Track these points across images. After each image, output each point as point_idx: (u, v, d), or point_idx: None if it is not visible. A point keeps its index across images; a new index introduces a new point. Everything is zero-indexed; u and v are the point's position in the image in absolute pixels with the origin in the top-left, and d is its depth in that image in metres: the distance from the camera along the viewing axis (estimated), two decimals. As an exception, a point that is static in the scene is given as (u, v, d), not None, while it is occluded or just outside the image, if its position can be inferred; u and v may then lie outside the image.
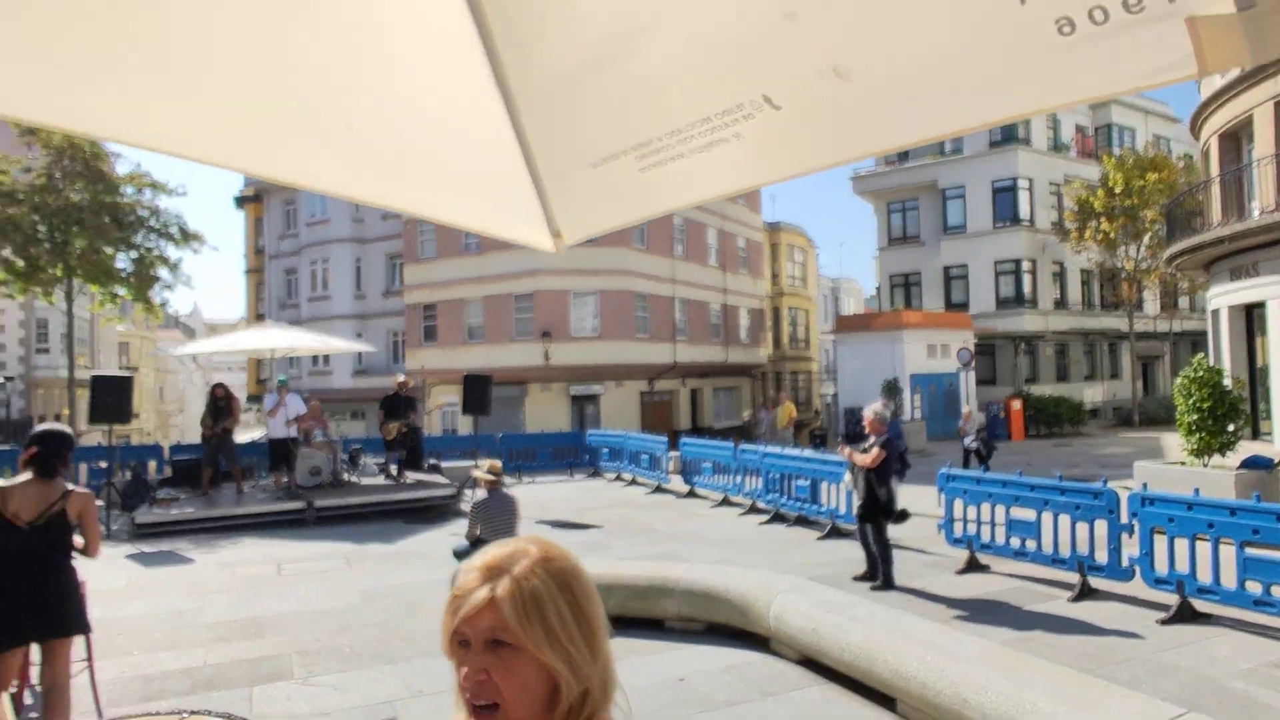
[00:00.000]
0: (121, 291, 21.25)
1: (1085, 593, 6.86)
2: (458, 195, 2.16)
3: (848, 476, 8.72)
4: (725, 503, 12.48)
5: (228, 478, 12.10)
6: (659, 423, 25.57)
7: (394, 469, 13.29)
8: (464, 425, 22.97)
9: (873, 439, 7.56)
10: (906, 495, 11.35)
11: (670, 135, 1.61)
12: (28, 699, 4.67)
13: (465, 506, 11.72)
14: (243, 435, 12.87)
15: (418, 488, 12.47)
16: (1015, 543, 7.63)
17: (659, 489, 14.25)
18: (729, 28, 1.33)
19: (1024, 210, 29.20)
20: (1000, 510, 7.81)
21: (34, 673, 4.52)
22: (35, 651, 4.12)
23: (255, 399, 25.24)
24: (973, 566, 7.94)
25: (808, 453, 11.33)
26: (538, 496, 13.28)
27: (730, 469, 12.52)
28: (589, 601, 0.94)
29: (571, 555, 0.98)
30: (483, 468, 7.45)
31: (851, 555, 8.23)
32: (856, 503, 7.86)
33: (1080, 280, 31.14)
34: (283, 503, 11.20)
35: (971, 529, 8.07)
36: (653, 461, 14.83)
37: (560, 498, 13.67)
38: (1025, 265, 29.15)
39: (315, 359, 30.72)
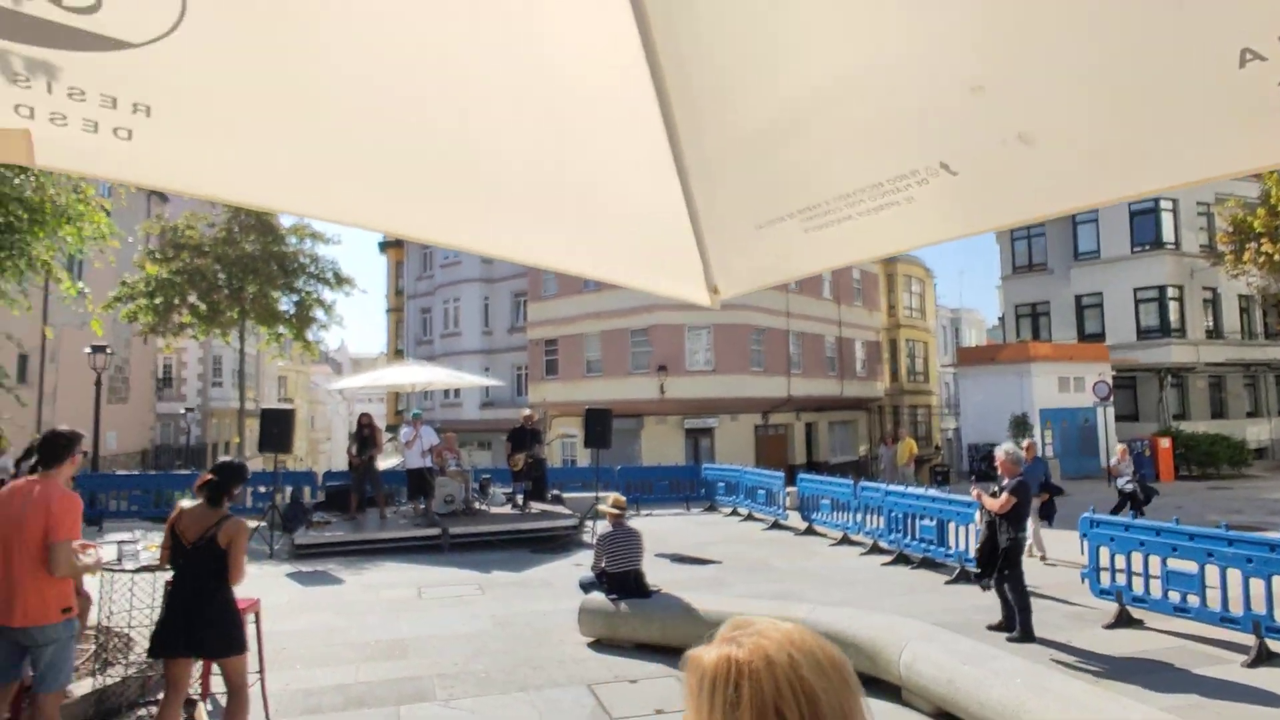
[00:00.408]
0: (284, 330, 23.53)
1: (1263, 657, 6.21)
2: (623, 258, 2.27)
3: (979, 516, 8.33)
4: (845, 541, 12.15)
5: (372, 503, 12.88)
6: (773, 456, 25.22)
7: (520, 499, 13.76)
8: (582, 456, 23.52)
9: (1005, 481, 7.18)
10: (1044, 537, 10.77)
11: (839, 199, 1.60)
12: (208, 706, 5.16)
13: (588, 537, 11.98)
14: (381, 463, 13.70)
15: (543, 518, 12.84)
16: (1174, 597, 7.00)
17: (776, 525, 14.04)
18: (911, 100, 1.32)
19: (1167, 233, 27.12)
20: (1155, 561, 7.21)
21: (215, 681, 5.01)
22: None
23: (393, 429, 26.91)
24: (1123, 621, 7.33)
25: (933, 492, 10.90)
26: (655, 529, 13.35)
27: (850, 507, 12.19)
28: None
29: (809, 676, 0.82)
30: (607, 501, 7.66)
31: (981, 601, 7.82)
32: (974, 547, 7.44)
33: (1239, 307, 28.49)
34: (421, 529, 11.82)
35: (1120, 579, 7.47)
36: (769, 497, 14.63)
37: (677, 531, 13.71)
38: (1170, 292, 26.98)
39: (446, 392, 32.37)
